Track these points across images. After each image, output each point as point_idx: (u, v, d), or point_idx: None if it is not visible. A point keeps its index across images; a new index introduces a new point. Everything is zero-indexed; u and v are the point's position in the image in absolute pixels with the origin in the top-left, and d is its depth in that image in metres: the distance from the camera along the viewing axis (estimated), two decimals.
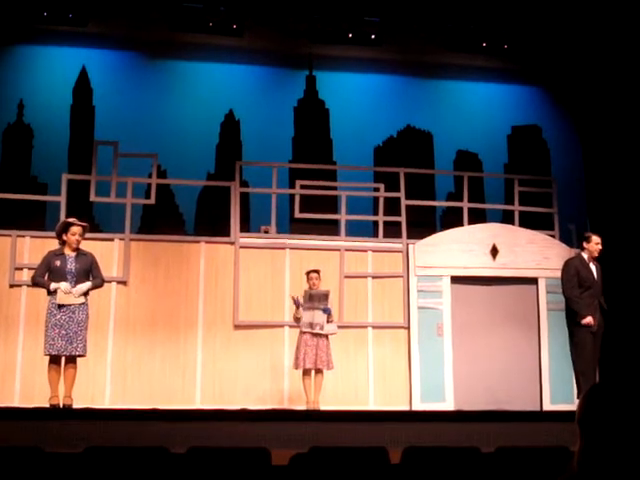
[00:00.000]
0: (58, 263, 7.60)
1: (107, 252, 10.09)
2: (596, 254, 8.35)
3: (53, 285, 7.53)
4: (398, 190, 11.14)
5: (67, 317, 7.48)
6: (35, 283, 7.74)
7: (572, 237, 11.40)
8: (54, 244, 7.89)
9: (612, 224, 10.94)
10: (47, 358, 7.64)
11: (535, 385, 10.61)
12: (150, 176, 10.63)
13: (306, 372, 8.95)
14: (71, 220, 7.81)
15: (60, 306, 7.49)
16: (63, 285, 7.51)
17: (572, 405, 9.80)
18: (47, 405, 7.54)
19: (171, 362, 10.09)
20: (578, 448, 2.28)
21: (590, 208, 11.45)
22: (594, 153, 11.42)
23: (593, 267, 8.33)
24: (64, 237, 7.73)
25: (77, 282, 7.59)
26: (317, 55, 11.84)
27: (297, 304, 8.92)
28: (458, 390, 10.40)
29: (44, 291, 7.79)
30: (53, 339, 7.42)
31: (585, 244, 8.38)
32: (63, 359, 7.59)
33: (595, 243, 8.33)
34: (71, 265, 7.64)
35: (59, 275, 7.57)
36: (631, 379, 2.28)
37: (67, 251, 7.70)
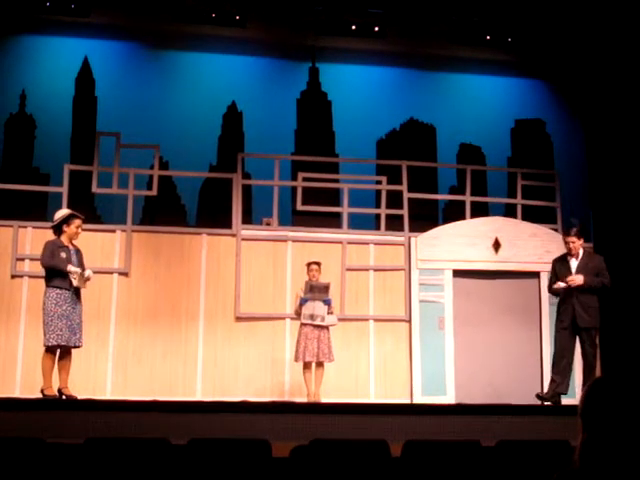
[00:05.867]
0: (64, 255, 7.56)
1: (109, 243, 10.09)
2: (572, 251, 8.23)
3: (73, 268, 7.51)
4: (400, 183, 11.13)
5: (71, 308, 7.47)
6: (53, 265, 7.49)
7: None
8: None
9: (615, 218, 10.92)
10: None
11: (536, 378, 10.59)
12: (152, 167, 10.62)
13: (307, 365, 8.95)
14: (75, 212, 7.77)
15: (68, 297, 7.44)
16: (87, 272, 7.59)
17: (573, 399, 9.80)
18: (41, 396, 7.48)
19: (172, 354, 10.09)
20: (580, 441, 2.27)
21: (593, 202, 11.42)
22: (597, 147, 11.39)
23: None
24: (64, 228, 7.67)
25: None
26: (320, 47, 11.80)
27: (302, 302, 8.94)
28: (459, 383, 10.40)
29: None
30: (61, 330, 7.36)
31: None
32: (59, 350, 7.56)
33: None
34: (74, 258, 7.64)
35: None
36: (633, 373, 2.27)
37: (66, 243, 7.66)
